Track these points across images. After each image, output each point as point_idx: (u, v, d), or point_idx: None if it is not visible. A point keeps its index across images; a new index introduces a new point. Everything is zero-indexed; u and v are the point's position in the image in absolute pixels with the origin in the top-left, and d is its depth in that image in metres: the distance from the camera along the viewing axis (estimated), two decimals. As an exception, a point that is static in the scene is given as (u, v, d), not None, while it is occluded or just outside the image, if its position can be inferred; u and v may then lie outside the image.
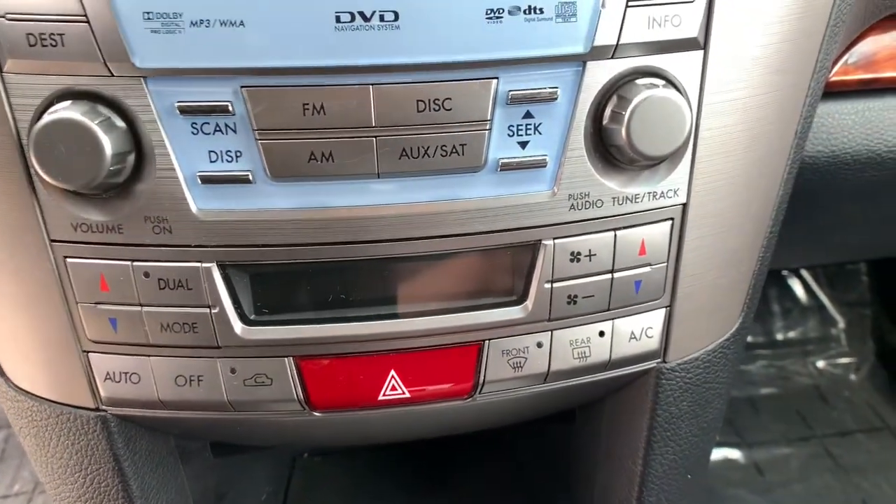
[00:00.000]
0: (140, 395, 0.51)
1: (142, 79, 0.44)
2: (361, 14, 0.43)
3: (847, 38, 0.67)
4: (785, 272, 1.75)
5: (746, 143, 0.54)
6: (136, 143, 0.46)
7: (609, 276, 0.52)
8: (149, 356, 0.50)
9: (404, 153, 0.46)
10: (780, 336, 1.81)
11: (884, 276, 1.71)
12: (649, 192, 0.51)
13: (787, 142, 0.58)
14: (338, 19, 0.43)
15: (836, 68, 0.70)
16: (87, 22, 0.42)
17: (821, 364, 1.73)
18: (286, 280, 0.50)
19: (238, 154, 0.46)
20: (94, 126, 0.43)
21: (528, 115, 0.48)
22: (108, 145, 0.43)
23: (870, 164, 0.73)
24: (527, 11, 0.45)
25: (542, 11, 0.45)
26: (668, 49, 0.48)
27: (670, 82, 0.49)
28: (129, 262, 0.48)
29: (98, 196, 0.46)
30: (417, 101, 0.45)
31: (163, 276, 0.48)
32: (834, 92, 0.71)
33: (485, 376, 0.53)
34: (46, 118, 0.43)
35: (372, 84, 0.45)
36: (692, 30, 0.48)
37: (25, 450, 0.61)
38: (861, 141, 0.72)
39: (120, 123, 0.45)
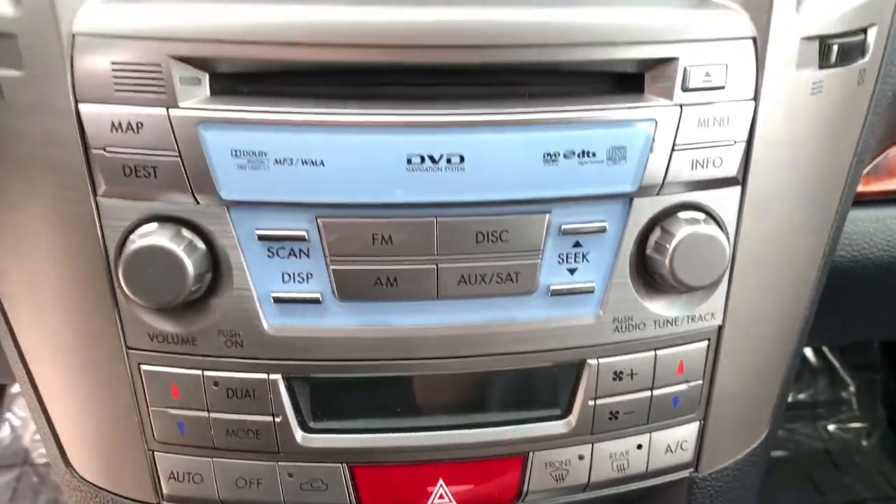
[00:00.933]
0: (201, 493, 0.54)
1: (226, 208, 0.48)
2: (431, 157, 0.47)
3: (872, 156, 0.71)
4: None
5: (779, 266, 0.57)
6: (215, 263, 0.49)
7: (649, 393, 0.55)
8: (212, 458, 0.53)
9: (463, 279, 0.50)
10: (789, 399, 1.83)
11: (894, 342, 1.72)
12: (688, 316, 0.54)
13: (816, 261, 0.61)
14: (409, 161, 0.47)
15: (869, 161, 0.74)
16: (180, 157, 0.46)
17: (831, 428, 1.73)
18: (345, 391, 0.53)
19: (309, 276, 0.50)
20: (180, 251, 0.46)
21: (577, 244, 0.51)
22: (190, 268, 0.47)
23: (891, 270, 0.76)
24: (580, 155, 0.48)
25: (594, 155, 0.49)
26: (709, 186, 0.52)
27: (710, 215, 0.53)
28: (200, 372, 0.51)
29: (174, 310, 0.50)
30: (477, 232, 0.49)
31: (231, 386, 0.51)
32: (855, 201, 0.74)
33: (528, 486, 0.56)
34: (137, 243, 0.47)
35: (436, 217, 0.49)
36: (732, 169, 0.52)
37: None
38: (882, 247, 0.75)
39: (201, 245, 0.49)
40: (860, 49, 0.56)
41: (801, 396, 1.78)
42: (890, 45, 0.61)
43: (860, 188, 0.75)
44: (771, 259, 0.56)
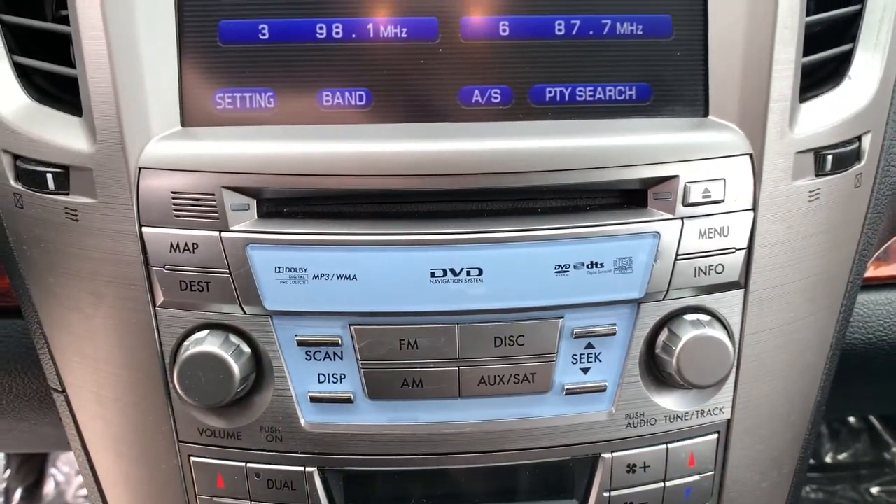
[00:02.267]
0: (242, 575, 0.58)
1: (269, 317, 0.53)
2: (452, 270, 0.52)
3: (878, 248, 0.73)
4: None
5: (786, 358, 0.60)
6: (258, 365, 0.55)
7: (661, 484, 0.58)
8: (254, 543, 0.57)
9: (483, 380, 0.54)
10: (829, 459, 1.78)
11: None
12: (697, 410, 0.57)
13: (825, 349, 0.64)
14: (433, 274, 0.52)
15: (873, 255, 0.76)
16: (230, 274, 0.52)
17: (875, 490, 1.68)
18: (375, 483, 0.57)
19: (343, 377, 0.54)
20: (229, 357, 0.52)
21: (589, 346, 0.55)
22: (237, 372, 0.52)
23: (908, 350, 0.77)
24: (589, 266, 0.53)
25: (602, 265, 0.53)
26: (713, 290, 0.55)
27: (715, 316, 0.56)
28: (243, 464, 0.56)
29: (222, 407, 0.55)
30: (495, 337, 0.53)
31: (271, 477, 0.56)
32: (867, 285, 0.77)
33: (548, 572, 0.58)
34: (191, 350, 0.52)
35: (458, 324, 0.53)
36: (734, 275, 0.55)
37: None
38: (898, 329, 0.77)
39: (246, 350, 0.54)
40: (855, 155, 0.60)
41: (842, 457, 1.73)
42: (887, 146, 0.64)
43: (871, 273, 0.78)
44: (777, 353, 0.59)
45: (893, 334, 0.77)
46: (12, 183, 0.57)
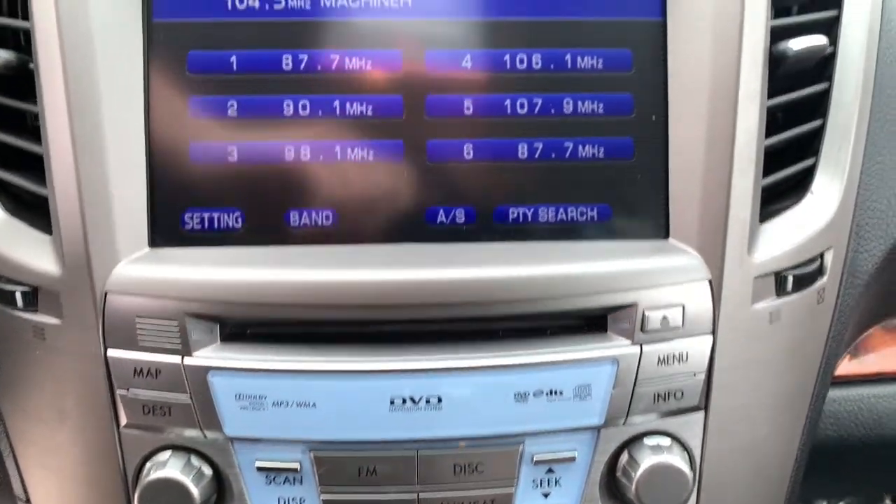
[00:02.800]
0: None
1: (229, 442, 0.54)
2: (412, 398, 0.52)
3: (851, 339, 0.74)
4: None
5: (749, 479, 0.61)
6: (220, 488, 0.55)
7: None
8: None
9: (443, 506, 0.54)
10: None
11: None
12: (659, 533, 0.57)
13: (789, 464, 0.64)
14: (392, 402, 0.52)
15: (840, 361, 0.76)
16: (191, 399, 0.53)
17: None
18: None
19: (302, 500, 0.54)
20: (189, 482, 0.52)
21: (550, 470, 0.55)
22: (197, 497, 0.52)
23: (883, 447, 0.77)
24: (549, 394, 0.53)
25: (561, 393, 0.53)
26: (673, 414, 0.56)
27: (676, 439, 0.56)
28: (203, 584, 0.56)
29: (182, 527, 0.55)
30: (455, 465, 0.54)
31: None
32: (837, 382, 0.77)
33: None
34: (152, 475, 0.52)
35: (417, 451, 0.53)
36: (693, 399, 0.56)
37: None
38: (872, 427, 0.77)
39: (208, 472, 0.54)
40: (818, 271, 0.61)
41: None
42: (850, 258, 0.65)
43: (841, 371, 0.78)
44: (739, 471, 0.60)
45: (865, 430, 0.77)
46: (-20, 298, 0.58)
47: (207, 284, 0.52)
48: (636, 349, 0.54)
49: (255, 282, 0.53)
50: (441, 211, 0.58)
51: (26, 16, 0.55)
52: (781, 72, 0.59)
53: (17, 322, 0.56)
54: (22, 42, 0.59)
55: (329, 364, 0.52)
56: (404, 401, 0.52)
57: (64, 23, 0.53)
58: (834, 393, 0.79)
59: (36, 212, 0.58)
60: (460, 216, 0.58)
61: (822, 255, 0.61)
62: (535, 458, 0.54)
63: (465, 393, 0.52)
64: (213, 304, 0.52)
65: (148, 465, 0.54)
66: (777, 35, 0.58)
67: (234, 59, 0.57)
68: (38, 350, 0.56)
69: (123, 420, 0.54)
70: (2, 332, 0.58)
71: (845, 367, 0.78)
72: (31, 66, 0.55)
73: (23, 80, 0.57)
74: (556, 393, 0.53)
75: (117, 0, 0.55)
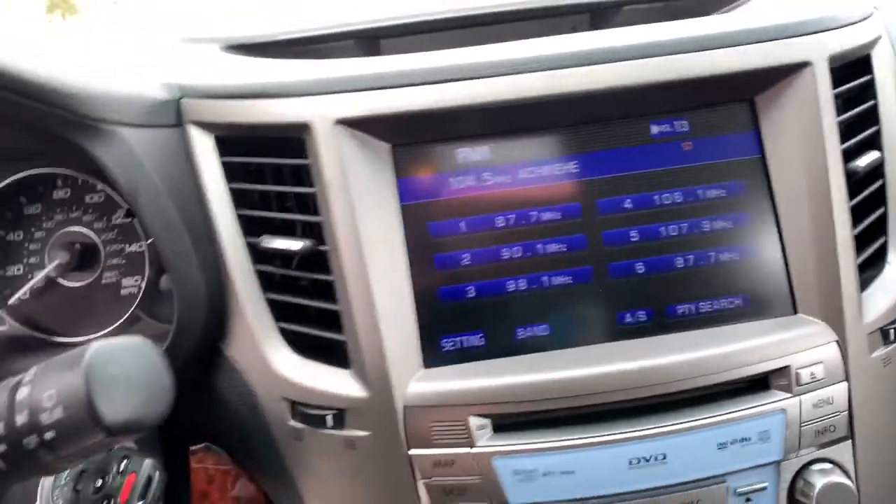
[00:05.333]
0: None
1: (515, 518, 0.71)
2: (644, 458, 0.70)
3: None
4: None
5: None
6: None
7: None
8: None
9: (673, 539, 0.71)
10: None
11: None
12: (835, 542, 0.74)
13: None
14: (630, 463, 0.70)
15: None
16: (481, 480, 0.70)
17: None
18: None
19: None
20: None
21: (748, 500, 0.73)
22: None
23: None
24: (741, 441, 0.72)
25: (750, 440, 0.72)
26: (831, 444, 0.74)
27: (836, 464, 0.74)
28: None
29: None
30: (681, 503, 0.71)
31: None
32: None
33: None
34: None
35: (652, 497, 0.71)
36: (843, 431, 0.74)
37: None
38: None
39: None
40: (909, 324, 0.80)
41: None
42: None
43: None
44: (886, 478, 0.77)
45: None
46: (290, 423, 0.76)
47: (480, 391, 0.71)
48: (797, 400, 0.72)
49: (510, 384, 0.72)
50: (627, 314, 0.78)
51: (315, 211, 0.77)
52: (853, 180, 0.81)
53: (328, 438, 0.74)
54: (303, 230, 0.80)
55: (581, 440, 0.70)
56: (639, 460, 0.70)
57: (342, 217, 0.74)
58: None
59: (321, 353, 0.77)
60: (641, 316, 0.77)
61: (908, 311, 0.81)
62: (737, 491, 0.72)
63: (683, 448, 0.70)
64: (487, 406, 0.71)
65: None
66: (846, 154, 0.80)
67: (462, 224, 0.78)
68: (349, 459, 0.74)
69: (425, 503, 0.71)
70: (310, 448, 0.76)
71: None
72: (321, 248, 0.76)
73: (312, 257, 0.77)
74: (746, 440, 0.71)
75: (377, 193, 0.76)
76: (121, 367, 0.47)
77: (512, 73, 0.76)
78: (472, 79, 0.75)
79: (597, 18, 1.18)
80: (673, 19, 0.87)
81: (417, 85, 0.75)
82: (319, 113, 0.75)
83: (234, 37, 1.08)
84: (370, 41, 1.13)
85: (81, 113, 0.73)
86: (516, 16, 1.09)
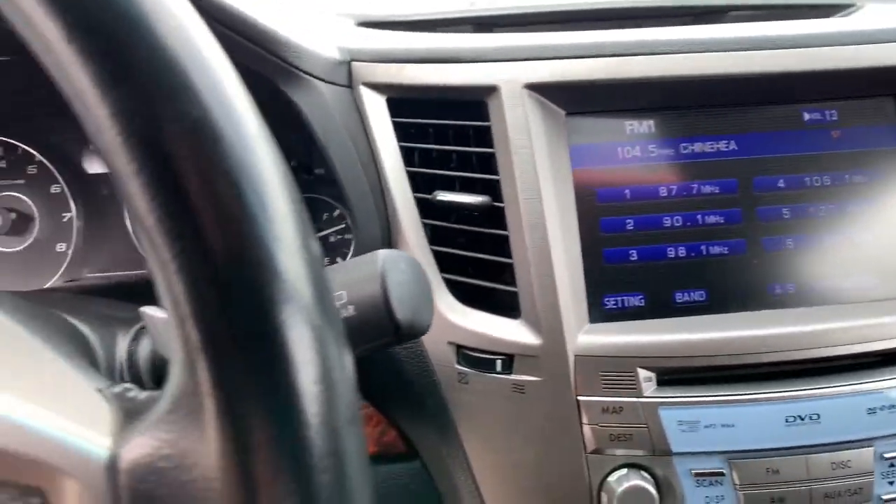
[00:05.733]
0: None
1: (671, 457, 0.75)
2: (799, 417, 0.75)
3: None
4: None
5: None
6: (658, 492, 0.76)
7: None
8: None
9: (826, 495, 0.75)
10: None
11: None
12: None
13: None
14: (786, 420, 0.75)
15: None
16: (647, 428, 0.75)
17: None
18: None
19: (722, 497, 0.76)
20: (652, 489, 0.74)
21: (892, 465, 0.77)
22: (657, 499, 0.74)
23: None
24: (889, 408, 0.76)
25: (894, 406, 0.76)
26: (968, 419, 0.79)
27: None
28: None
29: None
30: (832, 462, 0.76)
31: (675, 577, 0.76)
32: None
33: None
34: (626, 484, 0.74)
35: (805, 455, 0.75)
36: (979, 407, 0.79)
37: None
38: None
39: (650, 480, 0.76)
40: None
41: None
42: None
43: None
44: None
45: None
46: (456, 365, 0.81)
47: (649, 345, 0.76)
48: (932, 371, 0.77)
49: (679, 341, 0.77)
50: (777, 286, 0.82)
51: (487, 170, 0.82)
52: None
53: (496, 382, 0.79)
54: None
55: (742, 395, 0.75)
56: (795, 418, 0.75)
57: (524, 176, 0.79)
58: None
59: (481, 303, 0.82)
60: (790, 289, 0.82)
61: None
62: (883, 456, 0.76)
63: (835, 410, 0.75)
64: (655, 359, 0.76)
65: (611, 479, 0.75)
66: None
67: (627, 191, 0.83)
68: (515, 401, 0.78)
69: (591, 446, 0.76)
70: (477, 390, 0.80)
71: None
72: (496, 203, 0.81)
73: (489, 214, 0.82)
74: (893, 406, 0.76)
75: (554, 157, 0.81)
76: (404, 273, 0.51)
77: (687, 53, 0.81)
78: (653, 54, 0.80)
79: (700, 22, 1.24)
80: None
81: (603, 56, 0.80)
82: (507, 77, 0.80)
83: (366, 14, 1.14)
84: (487, 28, 1.19)
85: (291, 62, 0.78)
86: (622, 14, 1.15)
